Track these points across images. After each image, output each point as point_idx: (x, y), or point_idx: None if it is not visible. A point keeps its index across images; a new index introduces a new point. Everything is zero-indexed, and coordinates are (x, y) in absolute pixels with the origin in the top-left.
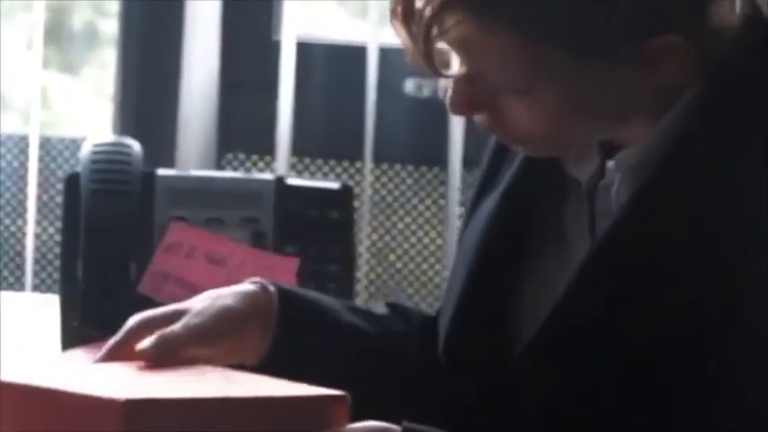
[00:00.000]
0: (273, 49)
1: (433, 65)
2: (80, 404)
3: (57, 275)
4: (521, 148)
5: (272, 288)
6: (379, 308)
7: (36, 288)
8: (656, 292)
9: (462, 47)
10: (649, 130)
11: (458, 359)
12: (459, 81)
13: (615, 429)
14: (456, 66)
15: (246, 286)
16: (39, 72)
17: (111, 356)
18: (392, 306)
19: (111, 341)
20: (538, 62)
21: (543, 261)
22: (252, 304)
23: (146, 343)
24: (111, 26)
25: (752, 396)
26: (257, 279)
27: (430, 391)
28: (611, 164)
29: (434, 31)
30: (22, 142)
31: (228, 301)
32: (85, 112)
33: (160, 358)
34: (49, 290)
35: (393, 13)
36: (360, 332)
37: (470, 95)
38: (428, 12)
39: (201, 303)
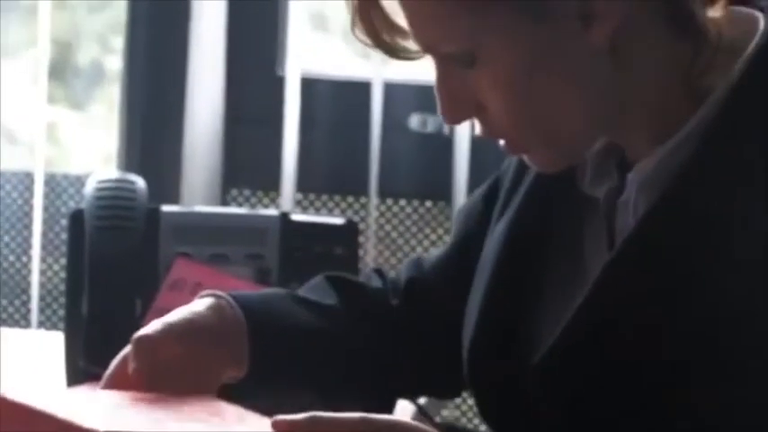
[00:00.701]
0: (278, 85)
1: (384, 45)
2: (62, 429)
3: (62, 312)
4: (517, 149)
5: (232, 302)
6: (327, 294)
7: (41, 325)
8: (673, 303)
9: (406, 15)
10: (655, 141)
11: (480, 375)
12: (437, 82)
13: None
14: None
15: (207, 299)
16: (44, 108)
17: (112, 382)
18: (336, 285)
19: (111, 366)
20: (461, 14)
21: (561, 279)
22: (216, 312)
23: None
24: (116, 63)
25: None
26: (212, 291)
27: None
28: (630, 177)
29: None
30: (27, 179)
31: (198, 307)
32: (91, 148)
33: (141, 359)
34: (54, 327)
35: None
36: (321, 334)
37: (449, 94)
38: None
39: (174, 312)
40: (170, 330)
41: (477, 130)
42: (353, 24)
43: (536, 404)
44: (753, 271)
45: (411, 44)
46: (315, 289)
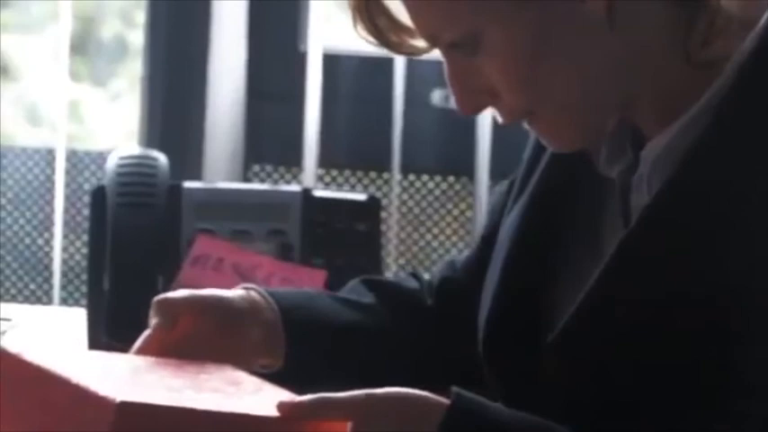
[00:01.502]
0: (300, 61)
1: (385, 40)
2: (76, 395)
3: (84, 289)
4: (544, 134)
5: (268, 296)
6: (364, 294)
7: (64, 302)
8: (687, 278)
9: (405, 6)
10: (666, 117)
11: (497, 349)
12: (448, 74)
13: (644, 414)
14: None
15: (239, 290)
16: (66, 84)
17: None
18: (372, 287)
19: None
20: (464, 4)
21: (577, 258)
22: (249, 301)
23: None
24: (139, 38)
25: None
26: (249, 285)
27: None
28: (644, 154)
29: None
30: (48, 155)
31: (229, 292)
32: (113, 124)
33: (163, 326)
34: (76, 303)
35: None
36: (362, 328)
37: (461, 83)
38: None
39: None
40: (196, 300)
41: (498, 118)
42: (355, 22)
43: (552, 382)
44: (766, 243)
45: (414, 39)
46: (351, 291)
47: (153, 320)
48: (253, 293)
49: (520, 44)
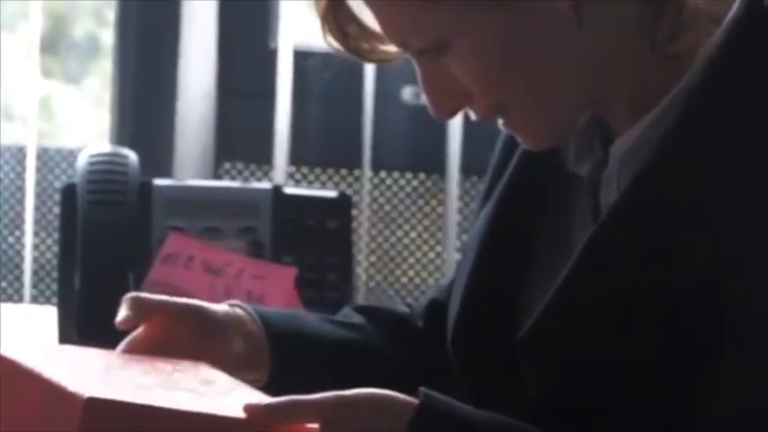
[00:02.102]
0: (271, 58)
1: (351, 48)
2: (48, 391)
3: (55, 287)
4: (515, 129)
5: (252, 311)
6: (353, 316)
7: (35, 300)
8: (656, 273)
9: (373, 14)
10: (635, 112)
11: (465, 349)
12: (421, 80)
13: (614, 412)
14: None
15: (224, 305)
16: (37, 82)
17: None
18: (363, 312)
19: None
20: (428, 11)
21: (548, 255)
22: (233, 314)
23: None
24: (111, 36)
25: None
26: (234, 302)
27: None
28: (613, 150)
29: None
30: (19, 153)
31: (211, 305)
32: (85, 122)
33: (130, 319)
34: (47, 301)
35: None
36: (349, 343)
37: (435, 89)
38: None
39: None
40: (171, 304)
41: (472, 116)
42: (324, 31)
43: (523, 379)
44: (736, 238)
45: (385, 46)
46: (340, 315)
47: (121, 313)
48: (237, 309)
49: (490, 47)
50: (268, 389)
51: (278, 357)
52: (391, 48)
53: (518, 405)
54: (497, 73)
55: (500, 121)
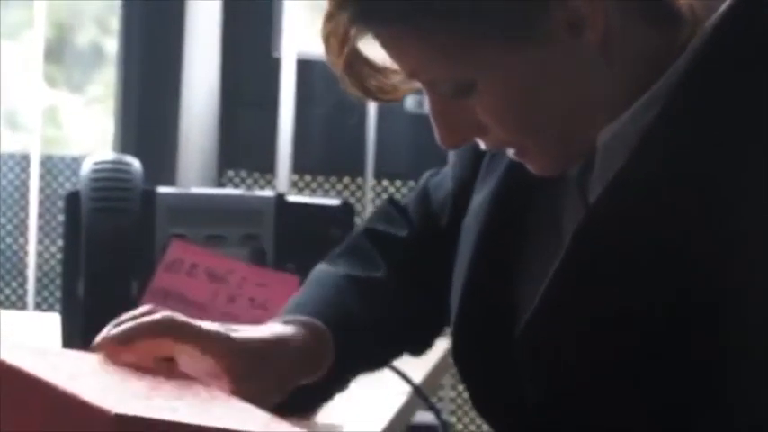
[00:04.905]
0: (274, 67)
1: (363, 87)
2: (73, 406)
3: (59, 294)
4: (530, 162)
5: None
6: (373, 266)
7: (38, 306)
8: (642, 266)
9: (393, 56)
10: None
11: (467, 350)
12: (434, 115)
13: (609, 406)
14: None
15: (298, 331)
16: (41, 90)
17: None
18: (378, 246)
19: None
20: (450, 52)
21: (542, 252)
22: (305, 353)
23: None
24: (115, 45)
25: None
26: (300, 318)
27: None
28: (597, 145)
29: (348, 47)
30: (23, 161)
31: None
32: (89, 130)
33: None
34: (51, 308)
35: (325, 45)
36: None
37: (450, 126)
38: (339, 33)
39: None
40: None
41: (482, 146)
42: (344, 83)
43: (522, 375)
44: (719, 229)
45: (403, 85)
46: (363, 256)
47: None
48: (309, 340)
49: (518, 88)
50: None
51: (340, 352)
52: (407, 85)
53: (518, 404)
54: (523, 113)
55: (510, 151)
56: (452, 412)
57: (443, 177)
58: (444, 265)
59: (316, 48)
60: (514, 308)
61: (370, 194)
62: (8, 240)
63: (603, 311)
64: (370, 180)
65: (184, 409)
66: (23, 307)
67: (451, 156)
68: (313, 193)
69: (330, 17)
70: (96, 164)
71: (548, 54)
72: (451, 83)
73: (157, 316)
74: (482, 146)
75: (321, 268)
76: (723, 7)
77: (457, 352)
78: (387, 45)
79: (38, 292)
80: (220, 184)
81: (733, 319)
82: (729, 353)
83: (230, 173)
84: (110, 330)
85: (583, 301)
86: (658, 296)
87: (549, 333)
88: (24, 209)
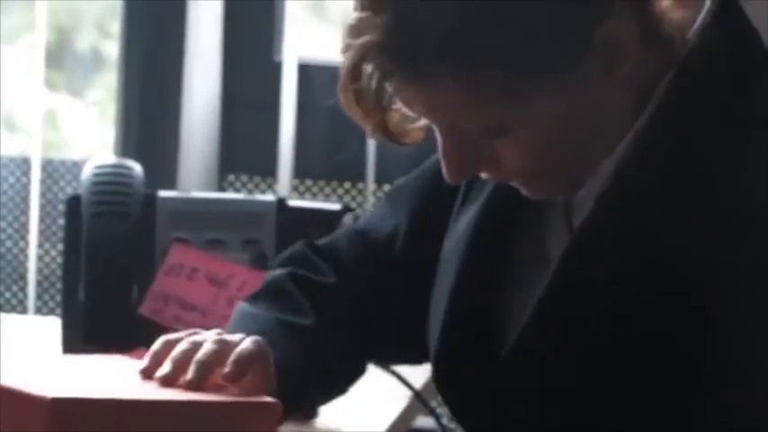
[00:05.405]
0: (275, 71)
1: (393, 136)
2: (13, 399)
3: (59, 298)
4: (533, 190)
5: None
6: (301, 313)
7: (38, 310)
8: (626, 290)
9: (415, 109)
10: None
11: (450, 374)
12: (446, 150)
13: (596, 426)
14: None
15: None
16: (42, 94)
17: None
18: (304, 292)
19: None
20: (485, 97)
21: (527, 274)
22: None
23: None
24: (115, 48)
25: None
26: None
27: None
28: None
29: (385, 101)
30: (24, 164)
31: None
32: (89, 134)
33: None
34: (51, 312)
35: (344, 98)
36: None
37: (461, 161)
38: (372, 86)
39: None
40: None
41: (485, 176)
42: (369, 134)
43: (507, 398)
44: (705, 252)
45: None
46: (288, 303)
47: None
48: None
49: (550, 129)
50: None
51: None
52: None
53: (502, 423)
54: (551, 151)
55: (514, 182)
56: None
57: (380, 217)
58: (398, 297)
59: (317, 52)
60: (499, 327)
61: (371, 199)
62: (9, 244)
63: (592, 335)
64: (370, 185)
65: (134, 388)
66: (24, 311)
67: (393, 192)
68: (314, 197)
69: (356, 70)
70: (97, 168)
71: (583, 94)
72: (481, 127)
73: (228, 339)
74: (484, 176)
75: (245, 308)
76: (699, 21)
77: (440, 375)
78: (425, 96)
79: (38, 296)
80: (221, 189)
81: (721, 343)
82: (717, 380)
83: (231, 177)
84: (173, 360)
85: (571, 325)
86: (646, 321)
87: (539, 352)
88: (25, 212)
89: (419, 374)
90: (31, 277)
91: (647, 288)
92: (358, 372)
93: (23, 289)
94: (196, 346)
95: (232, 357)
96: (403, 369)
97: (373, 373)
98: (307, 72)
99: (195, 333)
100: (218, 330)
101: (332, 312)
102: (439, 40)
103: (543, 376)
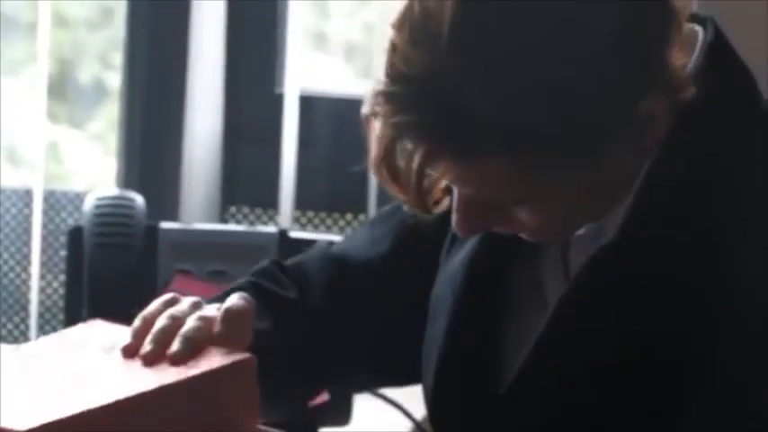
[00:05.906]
0: (277, 103)
1: (429, 209)
2: None
3: (61, 329)
4: (537, 239)
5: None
6: (288, 288)
7: None
8: (625, 335)
9: (456, 184)
10: None
11: (446, 410)
12: (462, 206)
13: None
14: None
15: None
16: (44, 125)
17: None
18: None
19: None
20: (534, 175)
21: (522, 309)
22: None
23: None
24: (117, 80)
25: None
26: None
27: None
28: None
29: (425, 181)
30: (26, 196)
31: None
32: (92, 165)
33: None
34: None
35: (379, 174)
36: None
37: (476, 218)
38: (414, 166)
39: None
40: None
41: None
42: (407, 206)
43: None
44: (704, 301)
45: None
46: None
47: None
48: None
49: (577, 199)
50: None
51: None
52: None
53: None
54: (565, 218)
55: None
56: None
57: (360, 242)
58: (371, 323)
59: (318, 84)
60: (496, 365)
61: None
62: (11, 275)
63: (589, 376)
64: (371, 217)
65: (105, 389)
66: (26, 341)
67: (376, 219)
68: (315, 229)
69: (391, 146)
70: (99, 199)
71: (612, 167)
72: (509, 197)
73: (209, 314)
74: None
75: None
76: (692, 63)
77: (436, 414)
78: (467, 172)
79: (40, 327)
80: (223, 220)
81: (722, 387)
82: (719, 421)
83: (233, 209)
84: (154, 339)
85: (569, 366)
86: (644, 364)
87: (535, 394)
88: (27, 244)
89: (420, 405)
90: (33, 308)
91: (645, 333)
92: (308, 388)
93: (25, 320)
94: (175, 320)
95: (223, 315)
96: (404, 400)
97: (374, 403)
98: (308, 104)
99: (170, 304)
100: (194, 298)
101: (287, 323)
102: (504, 126)
103: (542, 414)
